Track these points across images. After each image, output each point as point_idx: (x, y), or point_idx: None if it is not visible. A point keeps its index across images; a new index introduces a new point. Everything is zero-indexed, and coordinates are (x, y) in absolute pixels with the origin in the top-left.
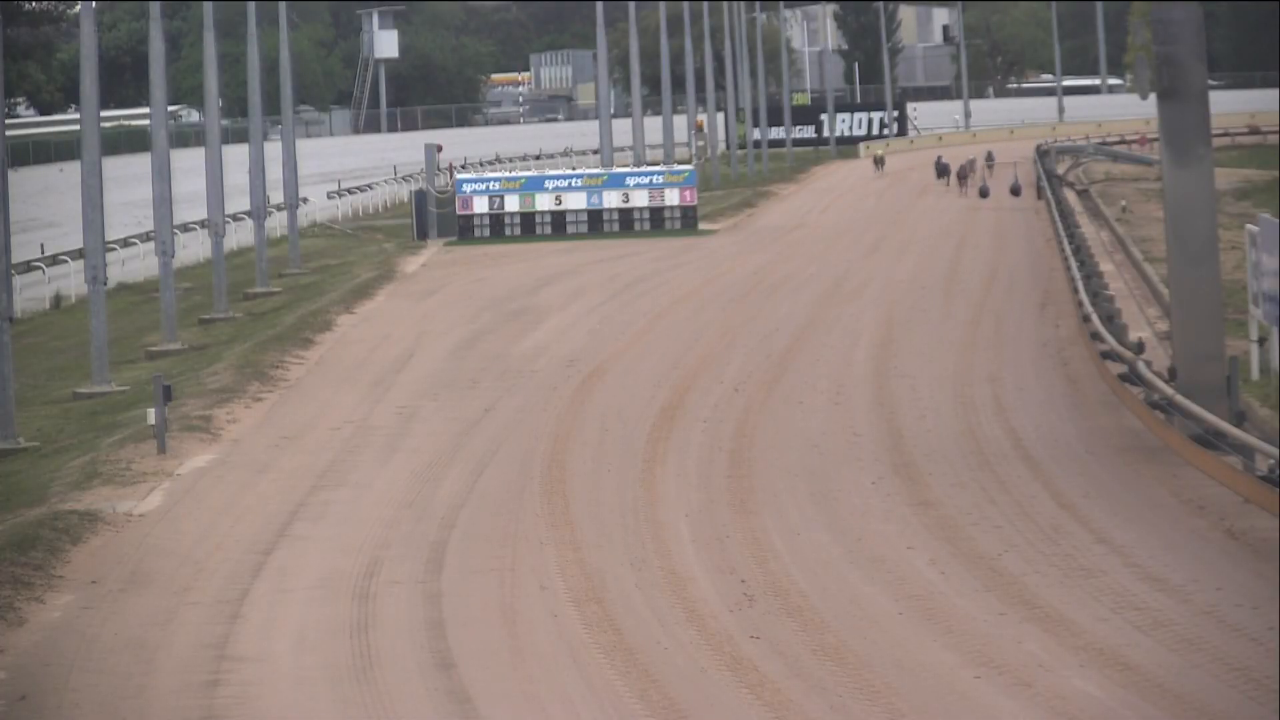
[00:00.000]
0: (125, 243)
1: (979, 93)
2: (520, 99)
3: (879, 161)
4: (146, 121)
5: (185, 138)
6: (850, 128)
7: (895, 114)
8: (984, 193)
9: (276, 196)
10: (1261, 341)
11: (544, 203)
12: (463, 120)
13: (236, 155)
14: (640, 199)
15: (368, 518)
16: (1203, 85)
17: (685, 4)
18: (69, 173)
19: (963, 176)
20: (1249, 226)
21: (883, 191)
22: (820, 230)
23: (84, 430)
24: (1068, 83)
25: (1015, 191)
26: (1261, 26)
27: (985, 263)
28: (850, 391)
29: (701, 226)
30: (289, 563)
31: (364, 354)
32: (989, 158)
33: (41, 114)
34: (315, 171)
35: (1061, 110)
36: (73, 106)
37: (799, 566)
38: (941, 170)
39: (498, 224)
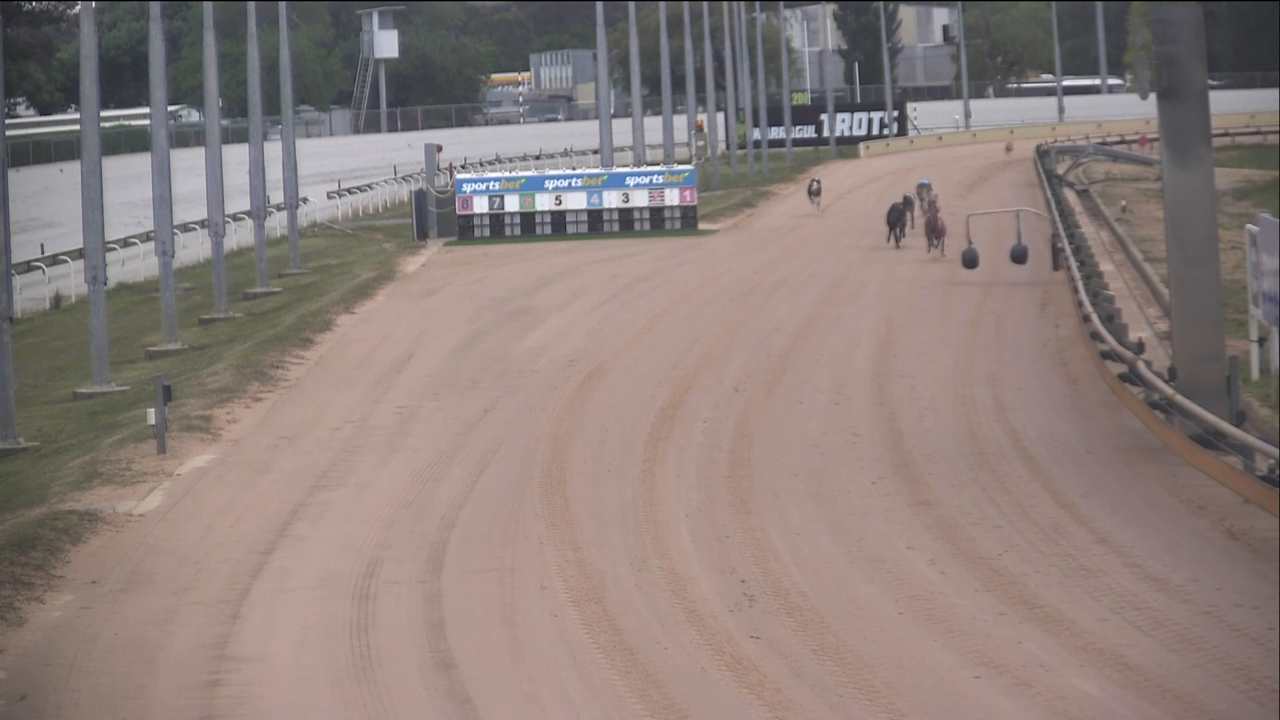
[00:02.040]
0: (125, 243)
1: (979, 93)
2: (520, 99)
3: (814, 191)
4: (146, 121)
5: (185, 138)
6: (850, 128)
7: (895, 114)
8: (970, 260)
9: (276, 196)
10: (1261, 341)
11: (544, 203)
12: (463, 120)
13: (236, 155)
14: (640, 199)
15: (368, 518)
16: (1203, 85)
17: (685, 4)
18: (69, 173)
19: (935, 229)
20: (1249, 226)
21: (882, 192)
22: (820, 230)
23: (84, 430)
24: (1068, 83)
25: (1019, 257)
26: (1261, 26)
27: (985, 262)
28: (850, 391)
29: (701, 226)
30: (289, 563)
31: (364, 354)
32: (926, 192)
33: (41, 114)
34: (315, 171)
35: (1061, 110)
36: (73, 106)
37: (799, 566)
38: (895, 218)
39: (498, 224)
